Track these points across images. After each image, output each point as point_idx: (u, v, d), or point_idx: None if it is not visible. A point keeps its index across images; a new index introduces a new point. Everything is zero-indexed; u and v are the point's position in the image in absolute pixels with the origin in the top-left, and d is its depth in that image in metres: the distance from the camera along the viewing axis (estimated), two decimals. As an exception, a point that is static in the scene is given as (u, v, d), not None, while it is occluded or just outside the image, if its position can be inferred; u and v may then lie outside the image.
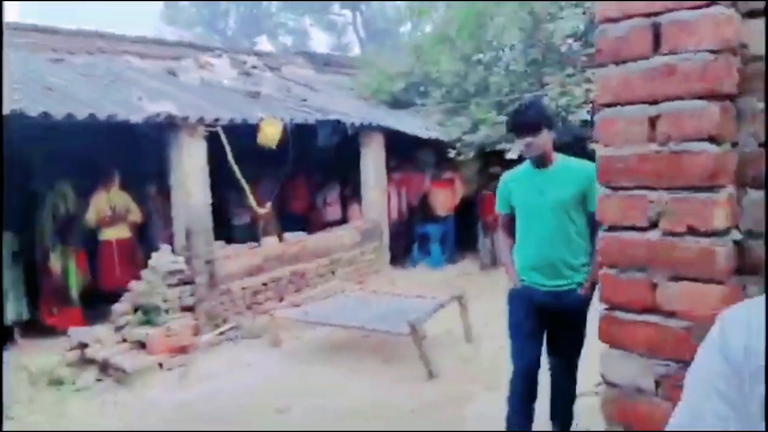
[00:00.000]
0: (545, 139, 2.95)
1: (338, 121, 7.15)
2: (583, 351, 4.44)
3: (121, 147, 6.55)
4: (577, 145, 9.89)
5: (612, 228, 1.48)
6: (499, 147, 7.08)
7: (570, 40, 7.47)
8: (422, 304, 5.54)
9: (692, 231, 1.33)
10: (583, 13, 6.40)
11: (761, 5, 1.25)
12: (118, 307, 5.63)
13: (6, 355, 5.47)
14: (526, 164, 3.12)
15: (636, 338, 1.45)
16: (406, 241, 9.32)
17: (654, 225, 1.39)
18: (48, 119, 4.75)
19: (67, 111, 4.87)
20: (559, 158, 3.05)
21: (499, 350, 5.48)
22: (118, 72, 6.92)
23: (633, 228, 1.43)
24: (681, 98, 1.34)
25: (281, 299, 6.70)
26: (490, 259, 8.81)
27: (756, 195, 1.32)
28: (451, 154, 7.82)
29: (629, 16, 1.38)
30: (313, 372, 5.19)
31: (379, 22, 31.39)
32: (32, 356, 5.29)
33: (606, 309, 1.53)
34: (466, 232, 9.35)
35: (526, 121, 2.94)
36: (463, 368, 5.11)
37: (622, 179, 1.44)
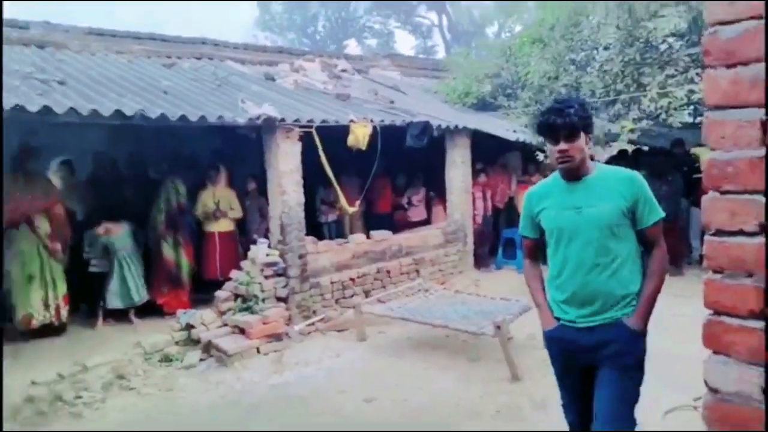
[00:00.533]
0: (582, 145, 2.43)
1: (426, 123, 7.28)
2: (681, 364, 4.31)
3: (224, 146, 7.06)
4: (676, 149, 9.44)
5: (719, 232, 1.49)
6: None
7: (671, 39, 7.14)
8: (508, 306, 5.55)
9: (805, 236, 1.34)
10: (686, 11, 6.11)
11: None
12: (220, 294, 6.09)
13: (122, 333, 6.10)
14: (554, 176, 2.59)
15: (742, 344, 1.45)
16: (492, 244, 9.29)
17: (764, 230, 1.40)
18: (164, 121, 5.24)
19: (180, 113, 5.33)
20: (595, 167, 2.54)
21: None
22: (223, 77, 7.44)
23: (741, 233, 1.45)
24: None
25: (367, 295, 6.92)
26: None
27: None
28: (540, 157, 7.71)
29: (742, 19, 1.39)
30: (398, 366, 5.35)
31: (465, 24, 31.26)
32: (146, 335, 5.85)
33: (711, 315, 1.54)
34: (552, 236, 9.17)
35: (562, 123, 2.39)
36: (548, 372, 5.05)
37: (732, 183, 1.45)
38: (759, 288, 1.43)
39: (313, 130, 6.17)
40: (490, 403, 4.54)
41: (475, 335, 5.32)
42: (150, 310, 6.64)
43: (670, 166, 8.62)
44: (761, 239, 1.40)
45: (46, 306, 5.75)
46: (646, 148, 9.31)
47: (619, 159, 9.01)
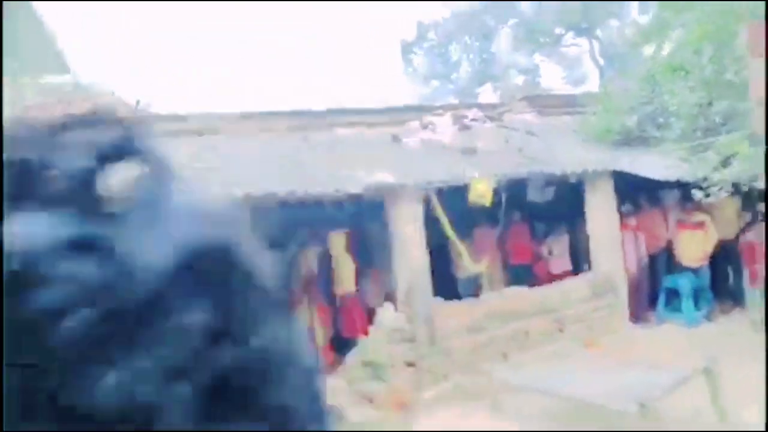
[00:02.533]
0: None
1: (552, 173, 6.81)
2: None
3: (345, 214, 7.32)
4: None
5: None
6: (756, 184, 5.83)
7: None
8: (658, 377, 4.79)
9: None
10: None
11: None
12: (349, 360, 6.18)
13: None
14: None
15: None
16: (649, 296, 8.24)
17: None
18: (293, 195, 5.60)
19: (305, 189, 5.66)
20: None
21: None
22: (348, 144, 7.79)
23: None
24: None
25: (505, 358, 6.52)
26: (760, 317, 7.21)
27: None
28: (698, 195, 6.73)
29: None
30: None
31: (618, 47, 29.34)
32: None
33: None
34: (724, 284, 7.88)
35: None
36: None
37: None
38: None
39: (431, 193, 6.11)
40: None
41: (615, 412, 4.66)
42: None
43: None
44: None
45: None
46: None
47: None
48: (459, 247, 6.63)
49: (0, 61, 5.26)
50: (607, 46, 29.98)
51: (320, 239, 7.52)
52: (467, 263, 6.89)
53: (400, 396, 5.79)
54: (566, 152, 8.02)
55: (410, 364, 6.17)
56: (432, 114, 10.00)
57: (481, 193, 6.39)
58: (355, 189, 5.85)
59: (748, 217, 7.60)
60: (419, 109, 10.59)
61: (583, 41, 30.86)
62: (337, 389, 6.00)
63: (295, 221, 7.59)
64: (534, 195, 7.04)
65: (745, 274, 7.41)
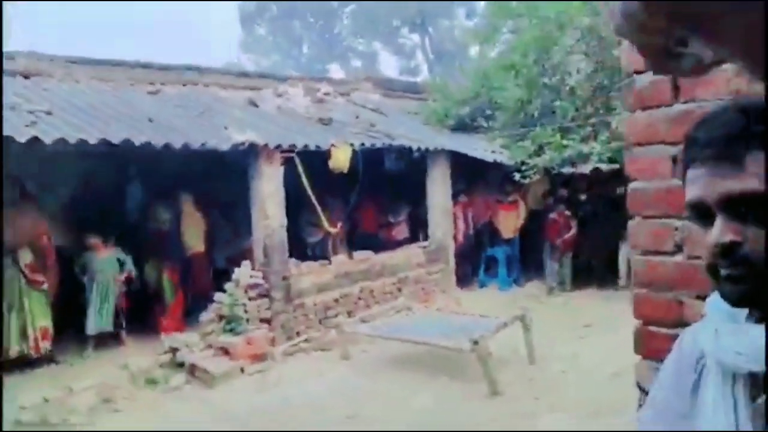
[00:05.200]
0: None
1: (403, 146, 7.51)
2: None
3: (203, 172, 7.22)
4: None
5: (643, 252, 1.70)
6: (564, 170, 7.17)
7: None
8: (486, 323, 5.72)
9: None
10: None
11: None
12: (205, 316, 6.19)
13: (111, 356, 6.17)
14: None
15: (668, 349, 1.65)
16: (473, 263, 9.49)
17: (679, 249, 1.61)
18: (149, 148, 5.40)
19: (165, 140, 5.50)
20: None
21: (562, 373, 5.58)
22: (206, 102, 7.63)
23: (661, 252, 1.65)
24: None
25: (350, 315, 7.06)
26: (557, 282, 8.82)
27: None
28: (517, 176, 7.97)
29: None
30: (381, 384, 5.48)
31: (447, 45, 31.91)
32: (133, 357, 5.93)
33: (640, 325, 1.75)
34: (532, 254, 9.42)
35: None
36: (527, 388, 5.23)
37: (651, 209, 1.67)
38: (677, 301, 1.63)
39: (294, 155, 6.36)
40: (470, 418, 4.69)
41: (456, 351, 5.48)
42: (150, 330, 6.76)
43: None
44: (678, 258, 1.60)
45: (24, 337, 5.75)
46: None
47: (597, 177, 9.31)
48: (318, 210, 6.97)
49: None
50: (437, 43, 32.42)
51: (172, 196, 7.29)
52: (325, 225, 7.27)
53: (255, 348, 5.99)
54: (411, 131, 8.82)
55: (266, 320, 6.39)
56: (287, 84, 10.13)
57: (341, 160, 6.80)
58: (223, 145, 5.84)
59: (551, 198, 9.15)
60: (272, 77, 10.63)
61: (417, 36, 32.95)
62: (191, 343, 5.99)
63: (144, 175, 7.26)
64: (386, 167, 7.67)
65: (546, 247, 8.93)
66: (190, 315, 7.25)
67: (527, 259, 9.54)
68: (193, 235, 7.47)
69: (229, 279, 6.66)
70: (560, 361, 5.82)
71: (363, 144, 7.17)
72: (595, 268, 8.91)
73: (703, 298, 1.58)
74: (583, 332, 6.73)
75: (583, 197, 9.03)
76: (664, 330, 1.69)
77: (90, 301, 6.33)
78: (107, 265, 6.54)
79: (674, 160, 1.60)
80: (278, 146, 6.30)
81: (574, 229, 8.73)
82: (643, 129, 1.69)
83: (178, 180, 7.66)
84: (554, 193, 9.10)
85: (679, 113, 1.59)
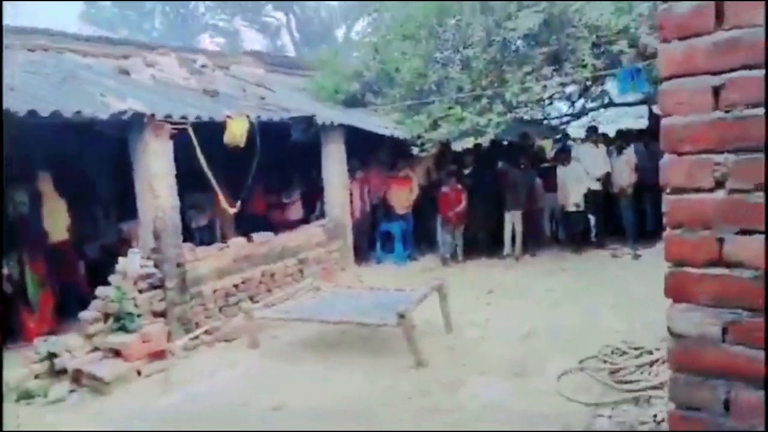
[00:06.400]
0: None
1: (310, 119, 7.12)
2: (562, 333, 4.75)
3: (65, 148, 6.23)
4: (524, 142, 10.39)
5: (677, 191, 1.63)
6: (459, 143, 7.31)
7: (519, 42, 7.86)
8: (405, 296, 5.64)
9: (758, 188, 1.50)
10: (537, 12, 6.75)
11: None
12: (86, 315, 5.35)
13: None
14: None
15: (703, 291, 1.59)
16: (369, 239, 9.40)
17: (720, 185, 1.56)
18: (9, 117, 4.46)
19: (28, 108, 4.59)
20: None
21: (479, 339, 5.70)
22: (67, 69, 6.56)
23: (699, 190, 1.59)
24: (745, 68, 1.48)
25: (253, 300, 6.58)
26: (450, 254, 9.05)
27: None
28: (415, 150, 7.97)
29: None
30: (300, 370, 5.16)
31: (314, 25, 31.35)
32: (-4, 371, 4.93)
33: (672, 266, 1.68)
34: (425, 228, 9.56)
35: None
36: (450, 356, 5.25)
37: (688, 145, 1.59)
38: (716, 239, 1.58)
39: (189, 127, 5.70)
40: (400, 391, 4.58)
41: (374, 328, 5.33)
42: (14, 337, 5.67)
43: (523, 157, 9.49)
44: (719, 194, 1.55)
45: None
46: (506, 142, 10.13)
47: (479, 152, 9.68)
48: (216, 189, 6.35)
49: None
50: (303, 24, 31.73)
51: (28, 176, 6.20)
52: (224, 205, 6.66)
53: (151, 346, 5.33)
54: (303, 106, 8.42)
55: (160, 314, 5.71)
56: (157, 53, 9.14)
57: (237, 134, 6.26)
58: (101, 114, 5.02)
59: (442, 172, 9.33)
60: (140, 46, 9.53)
61: (282, 15, 31.96)
62: (73, 346, 5.15)
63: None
64: (277, 144, 7.22)
65: (439, 220, 9.11)
66: (61, 315, 6.27)
67: (419, 232, 9.68)
68: (56, 222, 6.47)
69: (104, 271, 5.84)
70: (475, 327, 5.95)
71: (259, 117, 6.65)
72: (481, 240, 9.28)
73: (745, 233, 1.55)
74: (487, 299, 6.96)
75: (468, 171, 9.33)
76: (700, 270, 1.64)
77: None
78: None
79: (716, 91, 1.54)
80: (168, 116, 5.59)
81: (465, 203, 8.98)
82: (680, 60, 1.59)
83: (34, 158, 6.54)
84: (441, 168, 9.30)
85: (721, 41, 1.51)
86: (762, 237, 1.48)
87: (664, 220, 1.73)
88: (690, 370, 1.62)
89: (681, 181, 1.62)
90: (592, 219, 9.13)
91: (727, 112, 1.54)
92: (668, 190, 1.67)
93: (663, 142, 1.66)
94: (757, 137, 1.49)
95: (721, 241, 1.58)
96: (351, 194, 8.77)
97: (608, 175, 8.72)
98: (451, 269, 8.71)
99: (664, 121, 1.65)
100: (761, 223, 1.51)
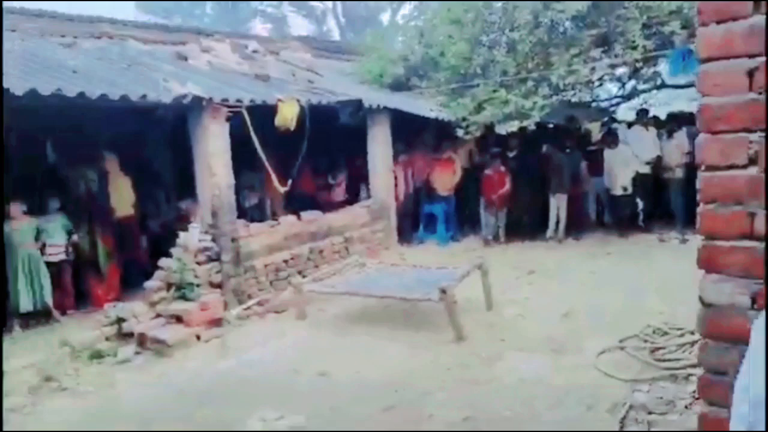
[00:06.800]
0: None
1: (359, 101, 7.31)
2: (603, 313, 4.83)
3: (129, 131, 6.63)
4: (571, 125, 10.27)
5: (711, 168, 1.74)
6: (503, 126, 7.33)
7: (567, 23, 7.78)
8: (447, 274, 5.81)
9: (788, 166, 1.60)
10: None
11: None
12: (151, 284, 5.77)
13: (44, 334, 5.60)
14: None
15: (734, 262, 1.71)
16: (413, 220, 9.58)
17: (753, 163, 1.66)
18: (83, 99, 4.84)
19: (100, 92, 4.95)
20: None
21: (518, 317, 5.82)
22: (131, 56, 6.96)
23: (733, 167, 1.70)
24: (778, 52, 1.57)
25: (301, 275, 6.88)
26: (492, 236, 9.14)
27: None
28: (459, 133, 8.06)
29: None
30: (345, 340, 5.43)
31: (359, 9, 31.36)
32: (72, 332, 5.41)
33: (705, 240, 1.80)
34: (468, 209, 9.66)
35: None
36: (489, 332, 5.41)
37: (724, 124, 1.70)
38: (748, 213, 1.68)
39: (243, 110, 5.99)
40: (440, 364, 4.77)
41: (416, 303, 5.54)
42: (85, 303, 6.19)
43: (569, 140, 9.43)
44: (752, 170, 1.65)
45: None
46: (551, 125, 10.07)
47: (524, 135, 9.66)
48: (269, 169, 6.65)
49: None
50: (348, 8, 31.81)
51: (96, 157, 6.65)
52: (276, 184, 6.96)
53: (210, 314, 5.70)
54: (350, 90, 8.61)
55: (216, 285, 6.08)
56: (212, 39, 9.50)
57: (288, 117, 6.51)
58: (165, 98, 5.35)
59: (486, 155, 9.38)
60: (194, 32, 9.91)
61: (328, 1, 32.10)
62: (139, 312, 5.57)
63: (64, 133, 6.53)
64: (325, 127, 7.45)
65: (482, 202, 9.19)
66: (125, 285, 6.75)
67: (462, 214, 9.79)
68: (122, 198, 6.93)
69: (165, 245, 6.26)
70: (514, 305, 6.08)
71: (309, 101, 6.89)
72: (525, 222, 9.31)
73: (775, 208, 1.65)
74: (528, 279, 7.06)
75: (513, 154, 9.35)
76: (731, 243, 1.74)
77: (17, 276, 5.69)
78: (27, 236, 5.90)
79: (750, 73, 1.64)
80: (225, 100, 5.89)
81: (509, 185, 9.02)
82: (718, 43, 1.69)
83: (100, 140, 7.00)
84: (485, 151, 9.35)
85: (757, 25, 1.60)
86: (790, 213, 1.58)
87: (698, 196, 1.84)
88: (719, 337, 1.74)
89: (716, 158, 1.74)
90: (640, 203, 9.02)
91: (759, 93, 1.64)
92: (703, 168, 1.78)
93: (699, 122, 1.77)
94: (789, 118, 1.58)
95: (752, 215, 1.69)
96: (395, 176, 8.96)
97: (658, 159, 8.58)
98: (493, 250, 8.80)
99: (701, 102, 1.76)
100: (790, 199, 1.61)
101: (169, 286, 5.76)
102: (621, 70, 9.96)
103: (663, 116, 9.91)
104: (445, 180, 9.44)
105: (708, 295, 1.85)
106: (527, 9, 7.19)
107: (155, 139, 7.51)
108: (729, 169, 1.72)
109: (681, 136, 8.50)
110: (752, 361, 0.85)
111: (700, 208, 1.82)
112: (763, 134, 1.64)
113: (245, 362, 5.09)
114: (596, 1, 6.77)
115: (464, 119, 8.02)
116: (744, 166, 1.69)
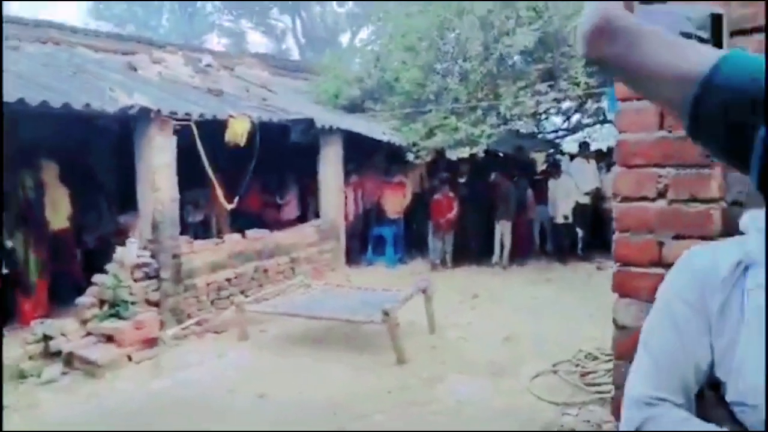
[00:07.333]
0: None
1: (312, 121, 7.33)
2: (539, 338, 4.93)
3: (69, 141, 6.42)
4: (518, 154, 10.63)
5: (625, 199, 1.86)
6: (453, 152, 7.53)
7: (516, 57, 8.12)
8: (391, 296, 5.83)
9: (694, 199, 1.73)
10: (535, 31, 7.01)
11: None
12: (83, 300, 5.53)
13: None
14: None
15: (644, 287, 1.82)
16: (362, 241, 9.60)
17: (661, 195, 1.78)
18: (23, 106, 4.66)
19: (41, 98, 4.79)
20: None
21: (460, 340, 5.90)
22: (78, 64, 6.77)
23: (644, 198, 1.82)
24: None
25: (244, 295, 6.75)
26: (440, 259, 9.26)
27: (736, 173, 1.73)
28: (410, 157, 8.19)
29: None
30: (286, 362, 5.34)
31: (319, 30, 31.62)
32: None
33: (619, 266, 1.91)
34: (417, 233, 9.77)
35: None
36: (431, 354, 5.45)
37: (637, 159, 1.82)
38: (657, 242, 1.80)
39: (192, 124, 5.91)
40: (381, 386, 4.76)
41: (360, 325, 5.53)
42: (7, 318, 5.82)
43: (516, 168, 9.74)
44: (661, 203, 1.78)
45: None
46: (501, 153, 10.37)
47: (474, 162, 9.91)
48: (215, 184, 6.54)
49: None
50: (309, 29, 32.02)
51: (33, 164, 6.38)
52: (222, 201, 6.85)
53: (144, 333, 5.50)
54: (304, 109, 8.64)
55: (153, 303, 5.88)
56: (164, 51, 9.37)
57: (238, 133, 6.46)
58: (109, 108, 5.22)
59: (435, 180, 9.56)
60: (148, 43, 9.74)
61: (288, 18, 32.24)
62: (68, 330, 5.32)
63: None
64: (274, 145, 7.44)
65: (430, 226, 9.32)
66: (56, 300, 6.43)
67: (410, 238, 9.90)
68: (58, 210, 6.64)
69: (100, 260, 6.03)
70: (457, 329, 6.15)
71: (260, 117, 6.86)
72: (471, 247, 9.49)
73: (679, 237, 1.78)
74: (472, 303, 7.17)
75: (462, 180, 9.57)
76: (642, 269, 1.86)
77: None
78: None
79: (662, 113, 1.77)
80: (173, 113, 5.79)
81: (456, 210, 9.20)
82: (632, 85, 1.81)
83: (40, 147, 6.72)
84: (435, 176, 9.54)
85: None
86: (694, 242, 1.70)
87: (613, 225, 1.95)
88: (631, 358, 1.83)
89: (629, 190, 1.86)
90: (579, 232, 9.37)
91: (669, 132, 1.77)
92: (618, 199, 1.90)
93: (617, 156, 1.89)
94: (693, 155, 1.72)
95: (660, 244, 1.81)
96: (345, 197, 8.99)
97: (597, 190, 8.97)
98: (440, 274, 8.91)
99: (618, 138, 1.88)
100: (694, 229, 1.74)
101: (102, 303, 5.53)
102: (567, 104, 10.43)
103: (605, 149, 10.39)
104: (395, 203, 9.54)
105: (621, 318, 1.96)
106: (479, 41, 7.46)
107: (100, 149, 7.28)
108: (641, 201, 1.84)
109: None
110: None
111: (615, 236, 1.93)
112: (672, 169, 1.76)
113: (180, 382, 4.92)
114: (543, 38, 7.10)
115: (415, 144, 8.17)
116: (653, 199, 1.81)
